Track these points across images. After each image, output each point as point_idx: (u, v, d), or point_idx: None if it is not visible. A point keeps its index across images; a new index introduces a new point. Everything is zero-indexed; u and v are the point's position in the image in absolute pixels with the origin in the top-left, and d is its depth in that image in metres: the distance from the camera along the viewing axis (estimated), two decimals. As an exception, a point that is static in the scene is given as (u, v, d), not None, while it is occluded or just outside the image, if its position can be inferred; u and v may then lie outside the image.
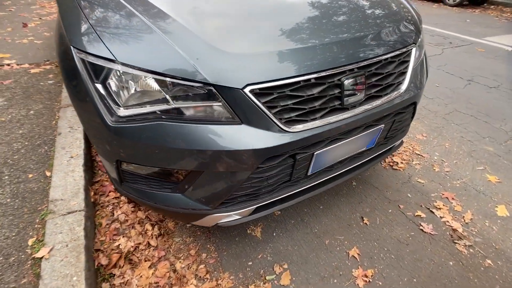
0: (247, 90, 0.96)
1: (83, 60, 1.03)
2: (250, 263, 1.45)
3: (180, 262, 1.43)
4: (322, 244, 1.54)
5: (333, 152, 1.23)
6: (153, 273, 1.38)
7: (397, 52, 1.25)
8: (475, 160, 2.15)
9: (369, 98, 1.22)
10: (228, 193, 1.11)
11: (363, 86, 1.15)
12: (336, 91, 1.10)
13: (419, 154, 2.17)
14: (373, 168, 2.03)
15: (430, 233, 1.61)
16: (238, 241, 1.54)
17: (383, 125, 1.32)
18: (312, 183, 1.33)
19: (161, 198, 1.18)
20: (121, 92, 0.99)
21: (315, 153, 1.15)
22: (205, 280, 1.36)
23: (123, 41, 1.00)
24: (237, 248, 1.51)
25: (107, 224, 1.57)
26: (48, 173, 1.65)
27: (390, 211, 1.73)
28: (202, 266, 1.42)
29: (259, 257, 1.47)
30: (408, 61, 1.32)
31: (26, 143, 1.86)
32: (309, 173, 1.24)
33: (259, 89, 0.98)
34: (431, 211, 1.73)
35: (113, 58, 0.96)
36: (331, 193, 1.82)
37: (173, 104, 0.98)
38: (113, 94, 1.00)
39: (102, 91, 1.01)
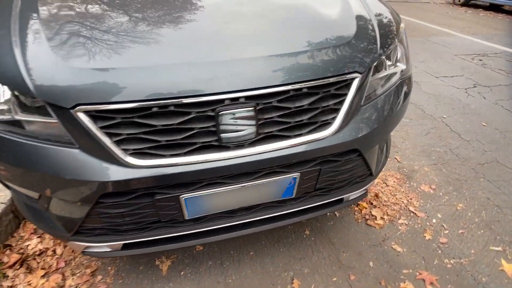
0: (77, 111, 0.80)
1: None
2: (138, 301, 1.27)
3: (72, 279, 1.34)
4: (228, 300, 1.28)
5: (218, 198, 0.99)
6: (42, 284, 1.32)
7: (320, 82, 0.93)
8: (493, 235, 1.57)
9: (268, 138, 0.94)
10: (77, 223, 0.97)
11: (254, 121, 0.88)
12: (209, 124, 0.86)
13: (412, 212, 1.69)
14: (341, 217, 1.65)
15: (374, 324, 1.20)
16: (140, 271, 1.38)
17: (299, 173, 1.01)
18: (209, 227, 1.09)
19: (32, 212, 1.10)
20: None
21: (183, 196, 0.93)
22: (83, 307, 1.24)
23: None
24: (135, 279, 1.35)
25: (34, 221, 1.58)
26: (3, 161, 1.75)
27: (334, 279, 1.35)
28: (90, 290, 1.30)
29: (151, 296, 1.29)
30: (343, 96, 0.99)
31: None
32: (188, 217, 1.01)
33: (96, 111, 0.81)
34: (391, 293, 1.30)
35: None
36: (273, 238, 1.52)
37: (10, 116, 0.88)
38: None
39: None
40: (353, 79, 0.98)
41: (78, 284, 1.32)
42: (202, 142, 0.88)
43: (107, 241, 1.03)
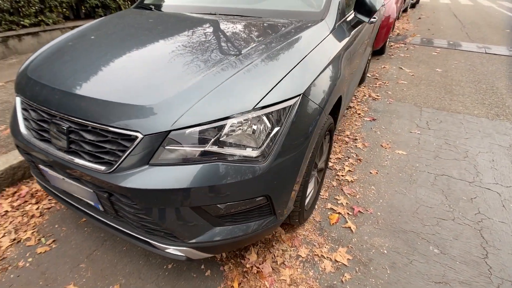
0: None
1: None
2: None
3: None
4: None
5: (54, 178, 1.39)
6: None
7: (105, 128, 1.12)
8: None
9: (73, 152, 1.24)
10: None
11: (64, 136, 1.23)
12: (44, 124, 1.30)
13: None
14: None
15: None
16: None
17: (92, 191, 1.24)
18: (66, 198, 1.53)
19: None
20: None
21: (40, 166, 1.42)
22: None
23: None
24: (61, 214, 1.99)
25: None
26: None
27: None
28: None
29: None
30: (126, 147, 1.11)
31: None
32: (52, 184, 1.48)
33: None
34: None
35: None
36: (145, 252, 1.72)
37: None
38: None
39: None
40: (135, 137, 1.09)
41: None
42: (47, 137, 1.33)
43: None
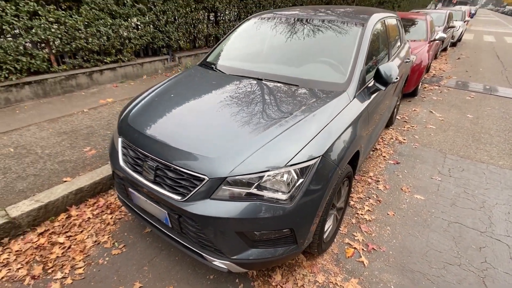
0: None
1: None
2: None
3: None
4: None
5: (138, 198, 1.93)
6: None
7: (182, 169, 1.63)
8: None
9: (158, 183, 1.76)
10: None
11: (153, 172, 1.76)
12: (138, 161, 1.85)
13: None
14: (238, 289, 1.96)
15: None
16: (138, 224, 2.53)
17: (166, 212, 1.74)
18: (142, 214, 2.05)
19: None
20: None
21: (129, 189, 1.96)
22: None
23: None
24: (131, 224, 2.52)
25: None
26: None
27: (184, 308, 1.85)
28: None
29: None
30: (195, 184, 1.60)
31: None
32: (134, 202, 2.03)
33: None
34: None
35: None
36: (193, 262, 2.17)
37: None
38: None
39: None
40: (203, 179, 1.58)
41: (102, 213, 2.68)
42: (139, 170, 1.87)
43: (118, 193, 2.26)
